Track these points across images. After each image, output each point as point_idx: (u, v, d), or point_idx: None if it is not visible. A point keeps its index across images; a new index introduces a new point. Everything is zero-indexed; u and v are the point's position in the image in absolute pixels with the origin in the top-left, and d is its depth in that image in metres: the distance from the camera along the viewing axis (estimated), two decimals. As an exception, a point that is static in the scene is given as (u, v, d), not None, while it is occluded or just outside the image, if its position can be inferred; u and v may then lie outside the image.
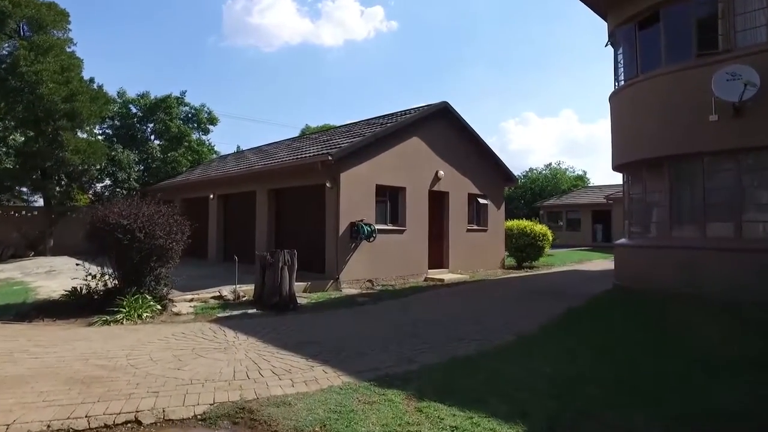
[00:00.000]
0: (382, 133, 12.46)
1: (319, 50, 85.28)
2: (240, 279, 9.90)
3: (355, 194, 11.98)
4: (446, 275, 14.04)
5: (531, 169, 45.30)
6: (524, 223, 17.79)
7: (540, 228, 17.66)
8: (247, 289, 9.64)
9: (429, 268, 13.99)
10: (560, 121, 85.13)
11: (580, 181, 44.09)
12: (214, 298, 9.49)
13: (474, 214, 16.10)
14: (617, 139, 12.41)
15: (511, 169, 17.21)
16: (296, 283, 10.39)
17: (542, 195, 40.82)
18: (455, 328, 7.18)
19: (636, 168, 11.60)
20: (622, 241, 12.32)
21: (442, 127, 14.68)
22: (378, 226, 12.44)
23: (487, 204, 16.35)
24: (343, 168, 11.74)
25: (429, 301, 10.04)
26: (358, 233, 11.72)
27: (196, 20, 77.16)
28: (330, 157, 11.10)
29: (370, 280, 12.22)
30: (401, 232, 13.13)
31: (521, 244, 17.27)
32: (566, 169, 45.10)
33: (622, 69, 12.46)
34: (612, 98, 12.80)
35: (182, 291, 9.66)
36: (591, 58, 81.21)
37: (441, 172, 14.27)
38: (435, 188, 14.23)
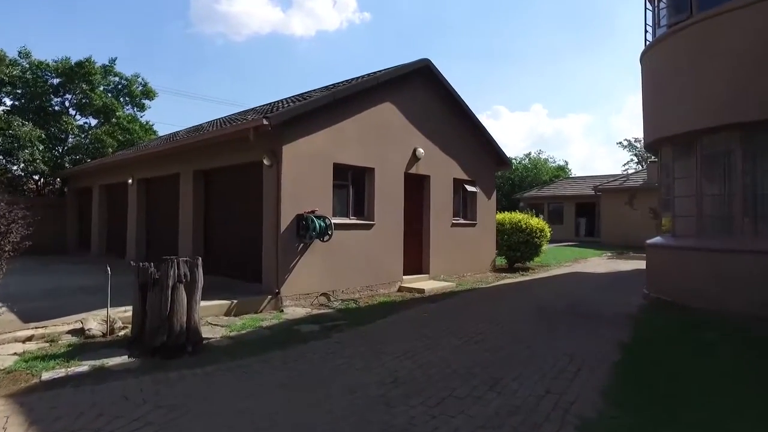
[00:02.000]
0: (342, 92, 9.15)
1: (289, 40, 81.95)
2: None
3: (304, 176, 8.67)
4: (427, 283, 10.88)
5: (510, 159, 42.64)
6: (518, 216, 14.79)
7: (536, 222, 14.69)
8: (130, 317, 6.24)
9: (404, 274, 10.81)
10: (530, 116, 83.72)
11: (562, 171, 41.72)
12: (72, 332, 6.06)
13: (460, 204, 12.97)
14: (655, 107, 9.42)
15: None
16: (217, 302, 7.23)
17: (522, 186, 38.25)
18: (464, 407, 4.00)
19: (685, 143, 8.62)
20: (658, 240, 9.34)
21: (422, 92, 11.47)
22: (336, 220, 9.18)
23: (476, 192, 13.25)
24: (286, 139, 8.40)
25: (408, 332, 6.83)
26: (307, 229, 8.42)
27: (161, 4, 72.26)
28: (266, 122, 7.75)
29: (324, 294, 8.95)
30: (368, 227, 9.90)
31: (514, 241, 14.26)
32: (547, 159, 42.69)
33: (661, 15, 9.47)
34: (647, 56, 9.80)
35: (25, 320, 6.22)
36: (562, 52, 79.47)
37: (420, 150, 11.08)
38: (412, 171, 11.03)
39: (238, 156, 9.26)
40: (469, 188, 12.95)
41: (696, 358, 5.42)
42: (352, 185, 9.79)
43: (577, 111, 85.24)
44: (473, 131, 13.06)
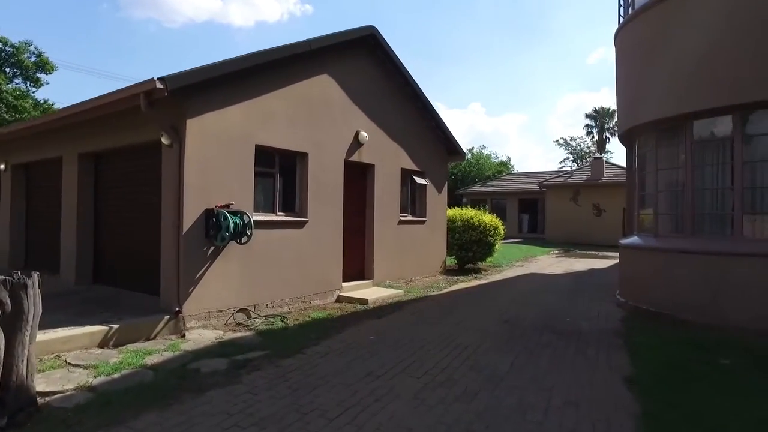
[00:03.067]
0: (266, 56, 7.28)
1: (227, 30, 77.89)
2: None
3: (216, 160, 6.75)
4: (370, 291, 9.23)
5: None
6: (470, 213, 13.44)
7: (489, 219, 13.42)
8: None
9: (344, 281, 9.10)
10: (468, 114, 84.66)
11: (504, 167, 41.37)
12: None
13: (409, 198, 11.42)
14: (634, 89, 8.25)
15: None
16: (87, 330, 5.39)
17: (465, 181, 37.50)
18: None
19: (671, 128, 7.46)
20: (635, 240, 8.17)
21: (366, 66, 9.77)
22: (259, 217, 7.34)
23: (426, 185, 11.73)
24: (192, 111, 6.46)
25: (349, 368, 5.14)
26: (219, 229, 6.52)
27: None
28: (160, 85, 5.78)
29: (244, 310, 7.08)
30: (300, 225, 8.10)
31: (466, 240, 12.90)
32: (490, 155, 42.22)
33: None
34: (624, 34, 8.66)
35: None
36: (501, 52, 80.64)
37: (363, 134, 9.39)
38: (354, 158, 9.32)
39: (132, 134, 7.18)
40: (419, 180, 11.42)
41: (730, 399, 4.10)
42: (281, 174, 7.95)
43: (513, 110, 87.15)
44: (424, 115, 11.52)
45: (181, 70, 6.16)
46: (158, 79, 5.78)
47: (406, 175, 11.13)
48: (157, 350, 5.36)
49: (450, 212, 13.47)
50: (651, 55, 7.70)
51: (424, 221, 11.64)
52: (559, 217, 26.14)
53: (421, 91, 11.04)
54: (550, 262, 16.18)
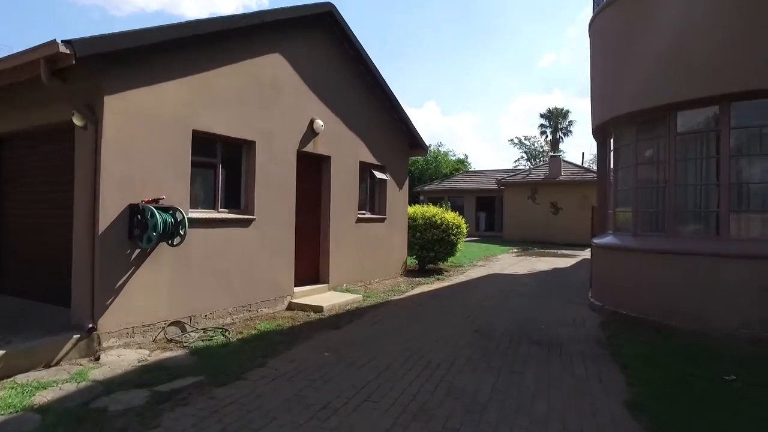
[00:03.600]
0: (208, 26, 6.24)
1: (179, 21, 74.40)
2: None
3: (143, 145, 5.66)
4: (326, 297, 8.32)
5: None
6: (432, 210, 12.73)
7: (452, 217, 12.76)
8: None
9: (297, 285, 8.16)
10: (424, 112, 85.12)
11: (462, 165, 41.20)
12: None
13: (368, 194, 10.57)
14: (611, 79, 7.73)
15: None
16: None
17: (422, 179, 37.03)
18: None
19: (651, 120, 6.95)
20: (611, 240, 7.65)
21: (323, 47, 8.83)
22: (197, 214, 6.31)
23: (386, 180, 10.91)
24: (111, 86, 5.36)
25: (301, 399, 4.24)
26: (145, 228, 5.45)
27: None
28: (67, 49, 4.66)
29: (177, 323, 6.02)
30: (246, 223, 7.10)
31: (428, 239, 12.18)
32: (447, 153, 41.94)
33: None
34: (600, 20, 8.14)
35: None
36: (456, 53, 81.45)
37: (319, 123, 8.46)
38: (309, 149, 8.38)
39: (40, 113, 5.96)
40: (379, 175, 10.58)
41: (753, 429, 3.49)
42: (223, 165, 6.92)
43: (468, 110, 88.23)
44: (384, 105, 10.69)
45: (96, 35, 5.06)
46: (63, 42, 4.66)
47: (365, 169, 10.27)
48: (56, 382, 4.27)
49: (411, 210, 12.72)
50: (630, 43, 7.17)
51: (384, 219, 10.82)
52: (517, 215, 25.98)
53: (382, 78, 10.20)
54: (511, 262, 15.73)
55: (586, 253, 19.47)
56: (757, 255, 5.78)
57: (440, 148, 42.08)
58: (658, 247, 6.61)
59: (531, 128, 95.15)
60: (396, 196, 11.33)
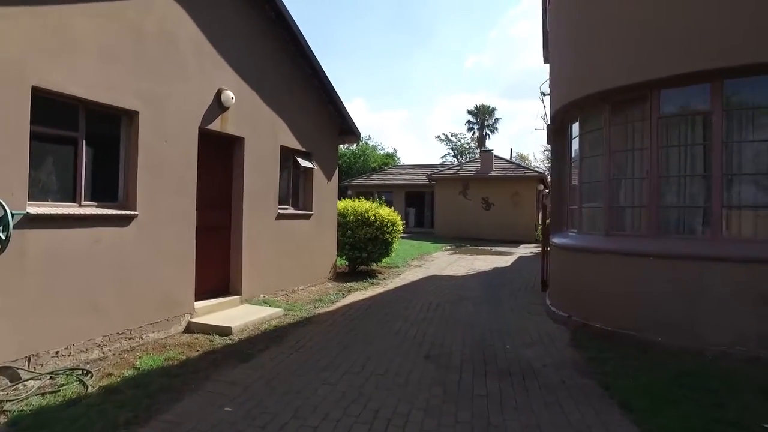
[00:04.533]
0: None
1: None
2: None
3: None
4: (237, 312, 6.65)
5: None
6: (364, 205, 11.32)
7: (387, 213, 11.42)
8: None
9: (198, 299, 6.43)
10: (351, 108, 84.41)
11: (391, 159, 40.15)
12: None
13: (291, 186, 8.95)
14: (575, 55, 6.67)
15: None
16: None
17: (350, 173, 35.55)
18: None
19: (627, 102, 5.96)
20: (576, 240, 6.62)
21: (238, 3, 7.11)
22: (41, 208, 4.45)
23: (313, 169, 9.34)
24: None
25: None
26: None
27: None
28: None
29: (4, 370, 4.15)
30: (123, 221, 5.28)
31: (361, 238, 10.76)
32: (376, 146, 40.72)
33: None
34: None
35: None
36: (384, 50, 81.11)
37: (229, 94, 6.75)
38: (215, 127, 6.65)
39: None
40: (304, 163, 8.99)
41: None
42: (90, 141, 5.06)
43: (395, 107, 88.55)
44: (311, 82, 9.10)
45: None
46: None
47: (288, 156, 8.66)
48: None
49: (341, 204, 11.25)
50: (603, 9, 6.13)
51: (311, 215, 9.26)
52: (448, 211, 25.24)
53: (309, 49, 8.60)
54: (448, 261, 14.69)
55: (520, 250, 18.99)
56: (754, 258, 4.90)
57: (369, 142, 40.81)
58: (637, 249, 5.62)
59: (456, 126, 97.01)
60: (324, 188, 9.79)
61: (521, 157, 46.23)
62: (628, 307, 5.63)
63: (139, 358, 4.85)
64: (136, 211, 5.35)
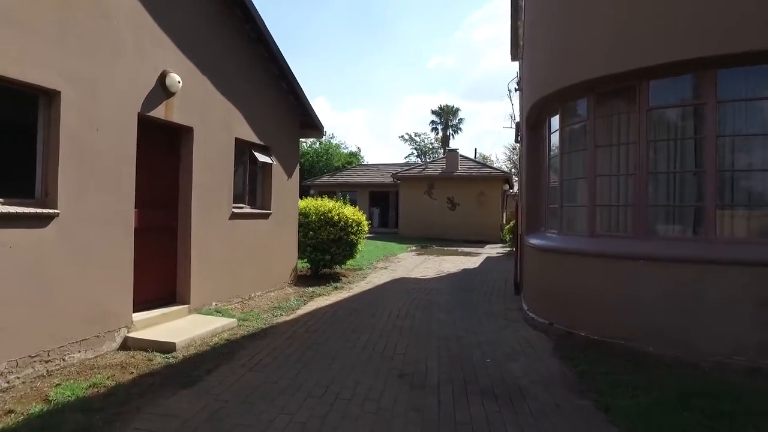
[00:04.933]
0: None
1: None
2: None
3: None
4: (183, 326, 5.86)
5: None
6: (327, 204, 10.64)
7: (352, 213, 10.78)
8: None
9: (139, 309, 5.63)
10: (314, 107, 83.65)
11: (354, 158, 39.46)
12: None
13: (248, 182, 8.18)
14: (556, 42, 6.23)
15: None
16: None
17: (313, 172, 34.68)
18: None
19: (613, 92, 5.54)
20: (555, 241, 6.18)
21: (179, -26, 6.33)
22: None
23: (271, 165, 8.60)
24: None
25: None
26: None
27: None
28: None
29: None
30: (41, 221, 4.42)
31: (324, 239, 10.07)
32: (339, 144, 39.93)
33: None
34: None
35: None
36: (347, 50, 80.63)
37: (175, 78, 5.95)
38: (158, 114, 5.85)
39: None
40: (262, 158, 8.24)
41: None
42: (-2, 125, 4.23)
43: (358, 107, 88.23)
44: (270, 69, 8.36)
45: None
46: None
47: (244, 150, 7.90)
48: None
49: (303, 203, 10.54)
50: (587, -6, 5.69)
51: (269, 215, 8.51)
52: (413, 210, 24.80)
53: (269, 33, 7.87)
54: (414, 262, 14.17)
55: (487, 251, 18.69)
56: (752, 261, 4.53)
57: (332, 141, 39.99)
58: (625, 252, 5.19)
59: (419, 126, 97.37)
60: (284, 186, 9.06)
61: (484, 158, 46.41)
62: (616, 314, 5.19)
63: (56, 386, 4.04)
64: (57, 209, 4.52)
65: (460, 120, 51.85)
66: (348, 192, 30.15)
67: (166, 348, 5.07)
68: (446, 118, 51.51)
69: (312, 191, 30.15)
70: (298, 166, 9.66)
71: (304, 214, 10.20)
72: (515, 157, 49.02)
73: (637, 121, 5.23)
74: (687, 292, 4.78)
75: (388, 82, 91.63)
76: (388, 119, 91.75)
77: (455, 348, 5.53)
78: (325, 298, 8.41)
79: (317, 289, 9.00)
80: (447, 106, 51.30)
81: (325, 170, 34.35)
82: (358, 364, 4.88)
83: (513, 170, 35.59)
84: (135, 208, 5.49)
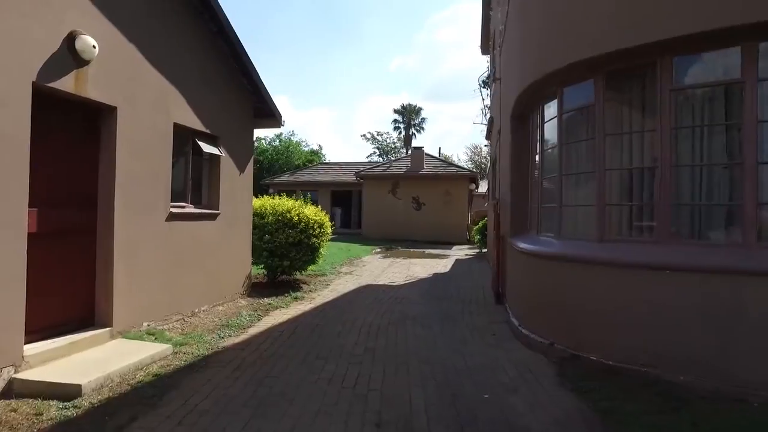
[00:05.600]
0: None
1: None
2: None
3: None
4: (100, 357, 4.60)
5: (258, 139, 36.93)
6: (286, 204, 9.45)
7: (313, 213, 9.62)
8: None
9: (37, 337, 4.36)
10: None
11: (316, 156, 38.08)
12: None
13: (191, 177, 6.93)
14: (553, 14, 5.29)
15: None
16: None
17: (272, 170, 33.18)
18: None
19: (626, 71, 4.66)
20: (554, 247, 5.26)
21: None
22: None
23: (220, 157, 7.37)
24: None
25: None
26: None
27: None
28: None
29: None
30: None
31: (282, 242, 8.89)
32: (300, 142, 38.45)
33: None
34: None
35: None
36: (310, 49, 79.60)
37: (88, 41, 4.69)
38: (65, 86, 4.57)
39: None
40: (208, 149, 7.01)
41: None
42: None
43: (319, 106, 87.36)
44: (218, 44, 7.14)
45: None
46: None
47: (186, 139, 6.66)
48: None
49: (258, 203, 9.34)
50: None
51: (217, 215, 7.29)
52: (376, 210, 23.80)
53: (219, 5, 6.67)
54: (381, 266, 13.14)
55: (455, 252, 17.88)
56: (805, 273, 3.72)
57: (293, 138, 38.49)
58: (646, 260, 4.31)
59: (381, 126, 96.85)
60: (236, 182, 7.84)
61: (446, 158, 45.99)
62: (636, 335, 4.31)
63: None
64: None
65: (423, 119, 51.37)
66: (309, 191, 28.89)
67: (68, 392, 3.83)
68: (409, 117, 50.84)
69: (271, 190, 28.76)
70: (252, 160, 8.45)
71: (259, 215, 8.99)
72: (477, 158, 48.84)
73: (658, 104, 4.37)
74: (723, 309, 3.94)
75: (350, 81, 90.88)
76: (350, 119, 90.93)
77: (441, 376, 4.53)
78: (283, 311, 7.26)
79: (274, 301, 7.84)
80: (410, 105, 50.70)
81: (285, 168, 32.92)
82: (324, 406, 3.80)
83: (476, 170, 35.22)
84: (32, 206, 4.22)
